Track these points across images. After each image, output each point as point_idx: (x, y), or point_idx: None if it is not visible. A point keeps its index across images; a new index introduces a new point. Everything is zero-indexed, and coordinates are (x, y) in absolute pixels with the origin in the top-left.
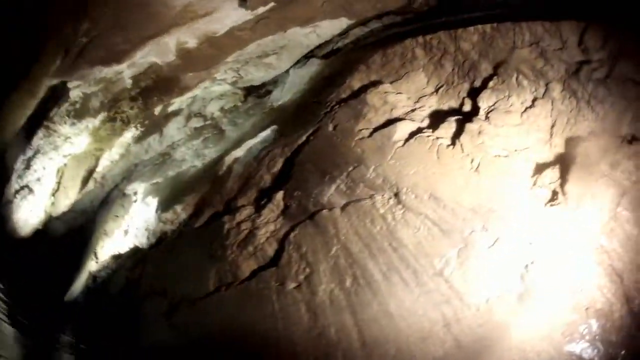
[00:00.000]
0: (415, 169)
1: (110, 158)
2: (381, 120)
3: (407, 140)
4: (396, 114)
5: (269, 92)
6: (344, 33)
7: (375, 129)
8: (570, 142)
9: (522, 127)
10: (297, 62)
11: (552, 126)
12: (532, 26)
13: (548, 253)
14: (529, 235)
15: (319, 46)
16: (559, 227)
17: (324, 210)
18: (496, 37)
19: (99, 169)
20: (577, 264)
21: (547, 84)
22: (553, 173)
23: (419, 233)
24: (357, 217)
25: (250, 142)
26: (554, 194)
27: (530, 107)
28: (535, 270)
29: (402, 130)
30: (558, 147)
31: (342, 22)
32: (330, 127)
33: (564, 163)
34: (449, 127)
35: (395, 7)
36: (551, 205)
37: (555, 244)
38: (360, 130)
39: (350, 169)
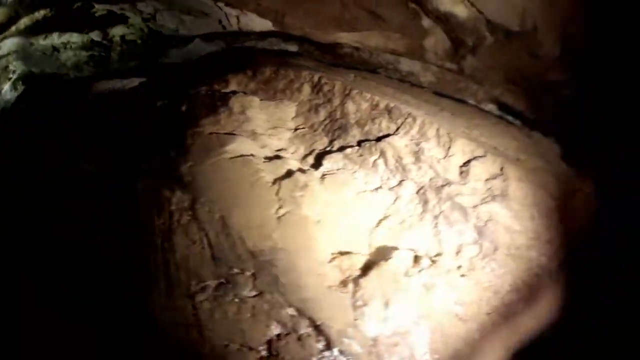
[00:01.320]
0: (224, 186)
1: (17, 28)
2: (228, 127)
3: (235, 157)
4: (245, 128)
5: (167, 48)
6: (262, 36)
7: (217, 132)
8: (390, 246)
9: (352, 205)
10: (206, 35)
11: (382, 220)
12: (425, 125)
13: (311, 334)
14: (296, 307)
15: (233, 34)
16: (335, 313)
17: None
18: (384, 115)
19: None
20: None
21: (402, 181)
22: (355, 262)
23: (191, 248)
24: (149, 204)
25: (119, 83)
26: (345, 282)
27: (372, 191)
28: (288, 343)
29: (238, 145)
30: (376, 242)
31: (266, 25)
32: (184, 108)
33: (372, 258)
34: (280, 166)
35: (321, 41)
36: (337, 290)
37: (322, 330)
38: (205, 124)
39: (172, 154)
